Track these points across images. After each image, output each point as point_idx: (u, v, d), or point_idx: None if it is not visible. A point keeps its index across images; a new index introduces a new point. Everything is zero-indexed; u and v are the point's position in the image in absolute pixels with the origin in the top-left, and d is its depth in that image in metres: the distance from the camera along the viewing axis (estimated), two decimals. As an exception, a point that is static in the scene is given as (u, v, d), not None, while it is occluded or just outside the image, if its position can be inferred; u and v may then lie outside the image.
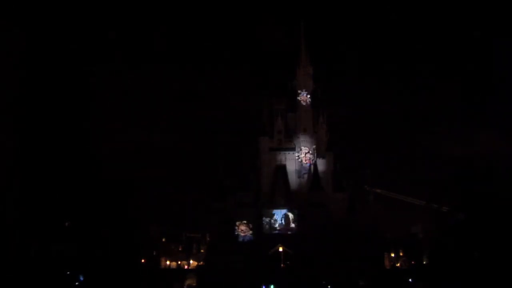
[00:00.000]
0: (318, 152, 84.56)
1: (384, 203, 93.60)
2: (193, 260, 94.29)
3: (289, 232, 76.71)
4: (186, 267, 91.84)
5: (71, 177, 56.26)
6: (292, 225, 76.70)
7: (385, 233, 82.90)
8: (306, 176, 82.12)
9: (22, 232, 53.11)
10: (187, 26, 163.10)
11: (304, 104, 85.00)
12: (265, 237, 75.54)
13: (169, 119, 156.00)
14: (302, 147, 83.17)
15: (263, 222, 76.94)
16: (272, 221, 77.03)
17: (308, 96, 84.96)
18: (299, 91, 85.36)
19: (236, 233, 75.19)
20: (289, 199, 78.97)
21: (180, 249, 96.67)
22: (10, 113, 53.63)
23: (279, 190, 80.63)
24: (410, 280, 77.62)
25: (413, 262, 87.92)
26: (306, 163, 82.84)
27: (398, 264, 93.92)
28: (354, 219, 78.37)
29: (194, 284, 79.02)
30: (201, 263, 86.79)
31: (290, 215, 77.01)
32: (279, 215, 77.24)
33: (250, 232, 75.09)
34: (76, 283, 60.07)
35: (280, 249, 75.30)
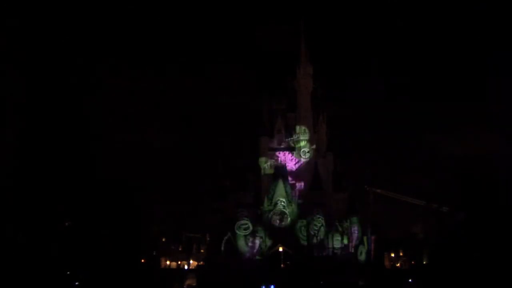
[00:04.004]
0: (318, 152, 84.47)
1: (384, 203, 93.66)
2: (193, 260, 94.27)
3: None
4: (186, 267, 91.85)
5: (71, 177, 56.28)
6: None
7: (385, 233, 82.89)
8: (306, 176, 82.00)
9: (22, 232, 53.11)
10: (187, 26, 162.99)
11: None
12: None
13: (169, 119, 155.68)
14: (302, 147, 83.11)
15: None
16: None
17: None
18: None
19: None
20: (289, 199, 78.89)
21: (180, 249, 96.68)
22: (10, 113, 53.66)
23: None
24: (410, 280, 77.65)
25: (413, 262, 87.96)
26: (306, 163, 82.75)
27: (398, 264, 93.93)
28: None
29: (194, 284, 78.99)
30: (201, 263, 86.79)
31: None
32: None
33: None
34: (76, 283, 60.09)
35: (280, 249, 75.31)
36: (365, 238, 78.83)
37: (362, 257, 77.13)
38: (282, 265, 74.88)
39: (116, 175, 66.70)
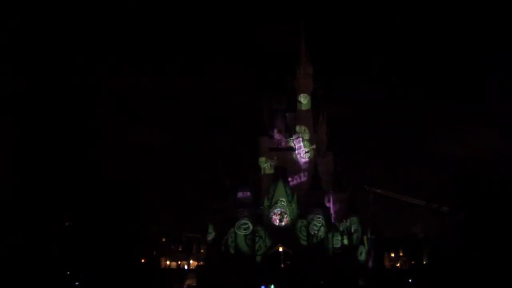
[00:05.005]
0: (318, 152, 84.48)
1: (384, 203, 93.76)
2: (193, 260, 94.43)
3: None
4: (186, 267, 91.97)
5: (71, 177, 56.27)
6: None
7: (385, 233, 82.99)
8: (306, 176, 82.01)
9: (22, 232, 53.12)
10: (187, 26, 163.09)
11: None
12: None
13: (169, 119, 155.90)
14: (302, 147, 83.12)
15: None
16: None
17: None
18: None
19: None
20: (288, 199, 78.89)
21: (180, 249, 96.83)
22: (10, 113, 53.67)
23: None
24: (410, 280, 77.70)
25: (413, 262, 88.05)
26: (306, 163, 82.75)
27: (398, 264, 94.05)
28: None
29: (194, 284, 79.08)
30: (201, 263, 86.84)
31: None
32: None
33: None
34: (76, 283, 60.10)
35: (280, 249, 75.31)
36: (365, 238, 78.88)
37: (362, 257, 77.18)
38: (282, 265, 74.87)
39: (116, 175, 66.70)
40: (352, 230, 77.54)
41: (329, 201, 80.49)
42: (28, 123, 55.16)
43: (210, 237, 78.77)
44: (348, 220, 78.08)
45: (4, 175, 52.88)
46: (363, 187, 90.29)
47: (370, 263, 78.93)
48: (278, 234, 75.34)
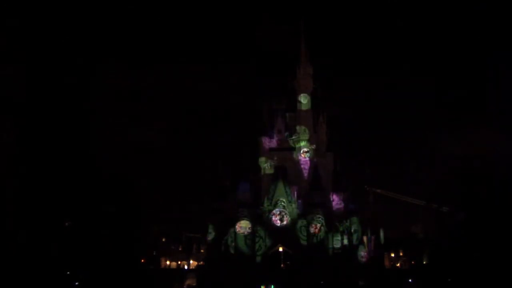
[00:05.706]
0: (318, 152, 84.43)
1: (384, 203, 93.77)
2: (193, 260, 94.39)
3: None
4: (186, 267, 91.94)
5: (71, 176, 56.28)
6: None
7: (385, 233, 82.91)
8: (306, 176, 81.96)
9: (22, 232, 53.11)
10: (187, 26, 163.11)
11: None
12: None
13: (169, 119, 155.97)
14: (302, 147, 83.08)
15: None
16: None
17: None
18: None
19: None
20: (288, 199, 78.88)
21: (180, 249, 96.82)
22: (10, 112, 53.65)
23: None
24: (410, 280, 77.65)
25: (413, 262, 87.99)
26: (306, 163, 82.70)
27: (398, 264, 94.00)
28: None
29: (194, 284, 79.07)
30: (201, 263, 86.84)
31: None
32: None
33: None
34: (76, 283, 60.10)
35: (280, 249, 75.31)
36: (365, 238, 78.83)
37: (362, 257, 77.02)
38: (282, 265, 74.87)
39: (116, 175, 66.74)
40: (352, 230, 77.46)
41: (329, 201, 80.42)
42: (28, 123, 55.15)
43: (210, 237, 78.74)
44: (348, 220, 78.00)
45: (4, 175, 52.83)
46: (363, 187, 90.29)
47: (370, 263, 78.84)
48: (278, 234, 75.34)
